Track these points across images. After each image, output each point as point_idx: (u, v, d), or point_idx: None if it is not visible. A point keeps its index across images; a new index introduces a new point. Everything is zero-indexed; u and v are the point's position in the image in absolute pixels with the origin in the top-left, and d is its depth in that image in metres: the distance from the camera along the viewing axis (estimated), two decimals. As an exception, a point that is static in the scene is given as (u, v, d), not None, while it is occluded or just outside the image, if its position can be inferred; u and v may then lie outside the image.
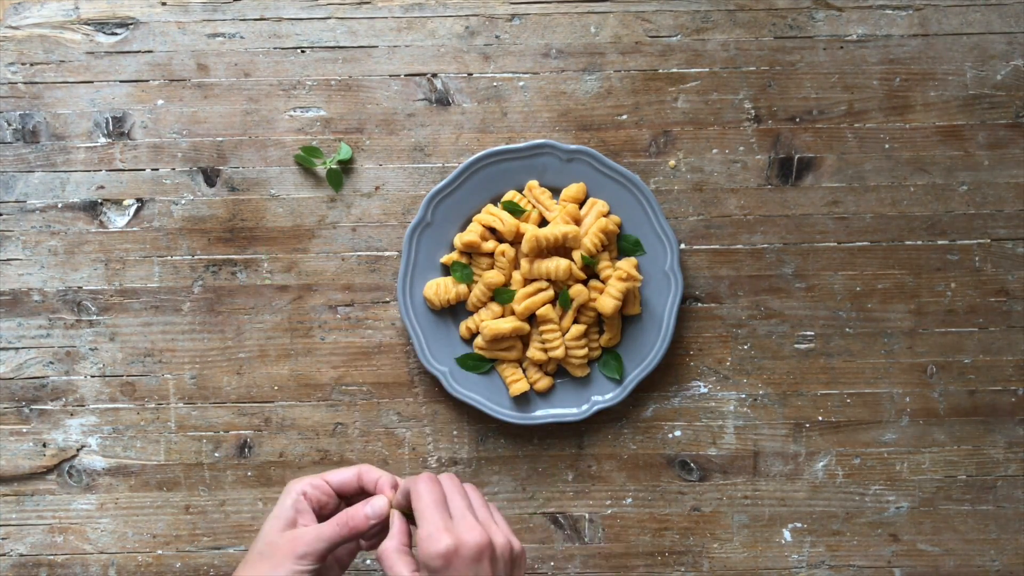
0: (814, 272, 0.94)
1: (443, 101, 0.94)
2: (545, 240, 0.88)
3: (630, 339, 0.92)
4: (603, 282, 0.91)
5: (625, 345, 0.93)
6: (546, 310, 0.89)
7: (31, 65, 0.94)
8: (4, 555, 0.94)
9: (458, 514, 0.71)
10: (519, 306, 0.89)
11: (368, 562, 0.94)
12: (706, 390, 0.94)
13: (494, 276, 0.90)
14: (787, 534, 0.94)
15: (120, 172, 0.94)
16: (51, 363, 0.94)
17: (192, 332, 0.94)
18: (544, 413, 0.92)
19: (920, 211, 0.94)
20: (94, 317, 0.94)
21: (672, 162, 0.94)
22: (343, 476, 0.77)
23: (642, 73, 0.94)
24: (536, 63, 0.94)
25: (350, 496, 0.77)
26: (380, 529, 0.75)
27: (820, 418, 0.94)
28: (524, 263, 0.90)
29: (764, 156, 0.94)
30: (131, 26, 0.94)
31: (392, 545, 0.72)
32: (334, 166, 0.93)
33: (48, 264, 0.94)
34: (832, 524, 0.94)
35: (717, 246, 0.94)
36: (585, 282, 0.91)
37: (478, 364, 0.92)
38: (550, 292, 0.90)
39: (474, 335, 0.93)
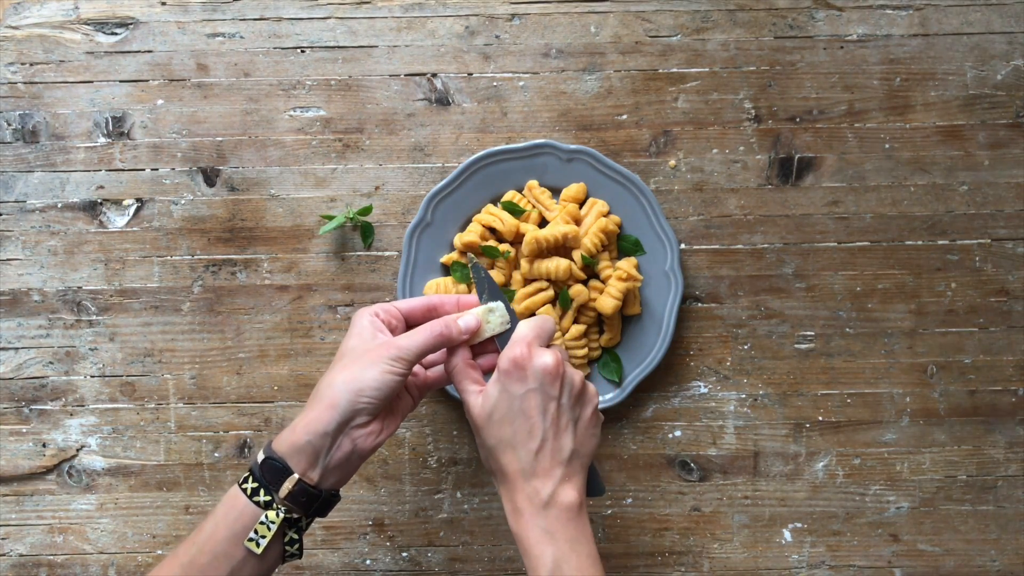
0: (814, 272, 0.94)
1: (443, 101, 0.94)
2: (545, 241, 0.88)
3: (630, 339, 0.92)
4: (603, 282, 0.91)
5: (625, 345, 0.92)
6: (546, 310, 0.89)
7: (31, 65, 0.94)
8: (4, 555, 0.94)
9: (547, 346, 0.77)
10: (519, 306, 0.89)
11: (368, 562, 0.94)
12: (706, 390, 0.94)
13: (494, 276, 0.90)
14: (787, 534, 0.94)
15: (120, 172, 0.94)
16: (51, 363, 0.94)
17: (192, 332, 0.94)
18: (544, 413, 0.92)
19: (920, 211, 0.94)
20: (94, 317, 0.94)
21: (672, 162, 0.94)
22: (412, 303, 0.80)
23: (642, 73, 0.94)
24: (536, 63, 0.94)
25: (418, 323, 0.80)
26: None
27: (820, 418, 0.94)
28: (524, 263, 0.90)
29: (764, 156, 0.94)
30: (131, 26, 0.94)
31: (459, 361, 0.78)
32: (362, 218, 0.92)
33: (48, 264, 0.94)
34: (832, 524, 0.94)
35: (717, 246, 0.94)
36: (585, 282, 0.91)
37: (478, 364, 0.92)
38: (550, 292, 0.90)
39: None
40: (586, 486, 0.78)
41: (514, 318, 0.79)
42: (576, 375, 0.76)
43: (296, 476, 0.72)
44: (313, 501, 0.73)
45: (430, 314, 0.80)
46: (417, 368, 0.82)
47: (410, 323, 0.80)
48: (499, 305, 0.79)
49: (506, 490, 0.75)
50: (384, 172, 0.94)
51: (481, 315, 0.78)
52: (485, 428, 0.75)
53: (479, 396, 0.76)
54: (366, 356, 0.74)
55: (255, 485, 0.73)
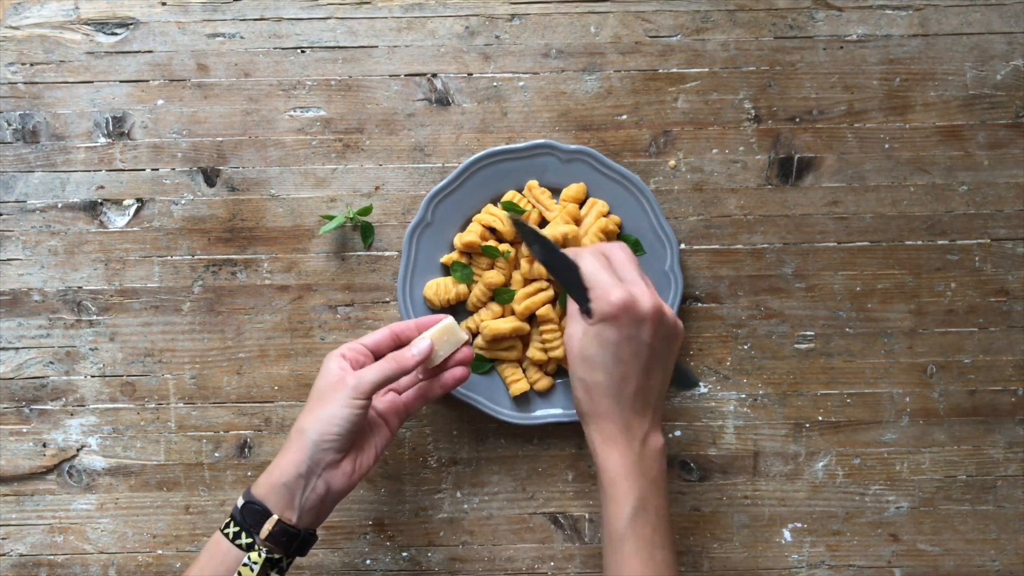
0: (814, 272, 0.94)
1: (443, 101, 0.94)
2: (545, 240, 0.88)
3: (630, 339, 0.92)
4: (603, 282, 0.91)
5: (625, 345, 0.92)
6: (546, 310, 0.89)
7: (31, 65, 0.94)
8: (4, 555, 0.94)
9: (630, 278, 0.78)
10: (519, 306, 0.89)
11: (368, 562, 0.94)
12: (706, 390, 0.94)
13: (494, 276, 0.90)
14: (787, 534, 0.94)
15: (120, 172, 0.94)
16: (51, 363, 0.94)
17: (192, 332, 0.94)
18: (544, 413, 0.92)
19: (920, 211, 0.94)
20: (94, 317, 0.94)
21: (672, 162, 0.94)
22: (376, 336, 0.83)
23: (642, 73, 0.94)
24: (536, 63, 0.94)
25: (384, 354, 0.83)
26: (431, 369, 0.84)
27: (820, 418, 0.94)
28: (524, 263, 0.90)
29: (764, 156, 0.94)
30: (131, 26, 0.94)
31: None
32: (362, 218, 0.93)
33: (48, 264, 0.94)
34: (832, 524, 0.94)
35: (717, 246, 0.94)
36: (585, 282, 0.91)
37: (478, 364, 0.92)
38: (550, 292, 0.90)
39: (474, 335, 0.93)
40: (678, 379, 0.84)
41: (558, 255, 0.80)
42: (671, 315, 0.78)
43: (275, 517, 0.76)
44: (292, 540, 0.77)
45: (395, 342, 0.84)
46: (392, 396, 0.85)
47: (378, 356, 0.83)
48: (451, 324, 0.83)
49: (597, 424, 0.77)
50: (384, 172, 0.94)
51: (435, 336, 0.82)
52: (578, 365, 0.77)
53: (569, 335, 0.78)
54: (327, 395, 0.78)
55: (236, 529, 0.76)
